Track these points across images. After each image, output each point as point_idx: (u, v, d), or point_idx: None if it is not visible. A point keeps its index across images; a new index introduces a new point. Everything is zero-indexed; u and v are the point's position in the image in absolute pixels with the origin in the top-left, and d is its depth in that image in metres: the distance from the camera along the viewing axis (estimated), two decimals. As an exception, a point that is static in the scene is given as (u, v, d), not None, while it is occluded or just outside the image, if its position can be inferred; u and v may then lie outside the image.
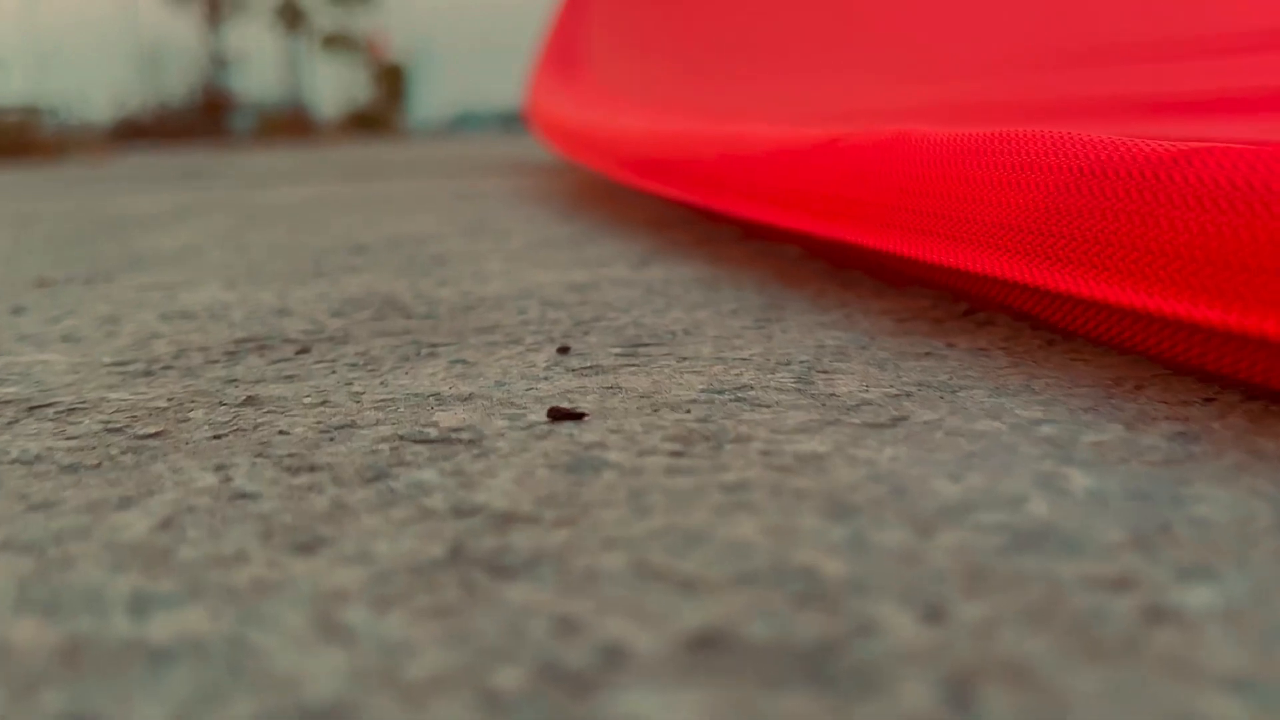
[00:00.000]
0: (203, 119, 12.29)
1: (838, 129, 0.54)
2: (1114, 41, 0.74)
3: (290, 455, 0.32)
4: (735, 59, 1.44)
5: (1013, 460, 0.28)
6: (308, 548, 0.24)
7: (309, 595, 0.22)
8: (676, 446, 0.31)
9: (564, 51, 1.96)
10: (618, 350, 0.44)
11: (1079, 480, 0.27)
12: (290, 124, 11.41)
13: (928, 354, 0.41)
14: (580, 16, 1.99)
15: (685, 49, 1.62)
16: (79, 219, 1.33)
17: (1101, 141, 0.36)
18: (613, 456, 0.30)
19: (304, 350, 0.47)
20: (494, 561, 0.23)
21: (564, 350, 0.44)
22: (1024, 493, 0.26)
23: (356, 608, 0.21)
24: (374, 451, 0.32)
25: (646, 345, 0.45)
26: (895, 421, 0.32)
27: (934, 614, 0.20)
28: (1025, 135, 0.39)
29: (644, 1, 1.88)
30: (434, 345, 0.47)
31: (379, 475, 0.29)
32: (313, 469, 0.30)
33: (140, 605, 0.22)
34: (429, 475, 0.29)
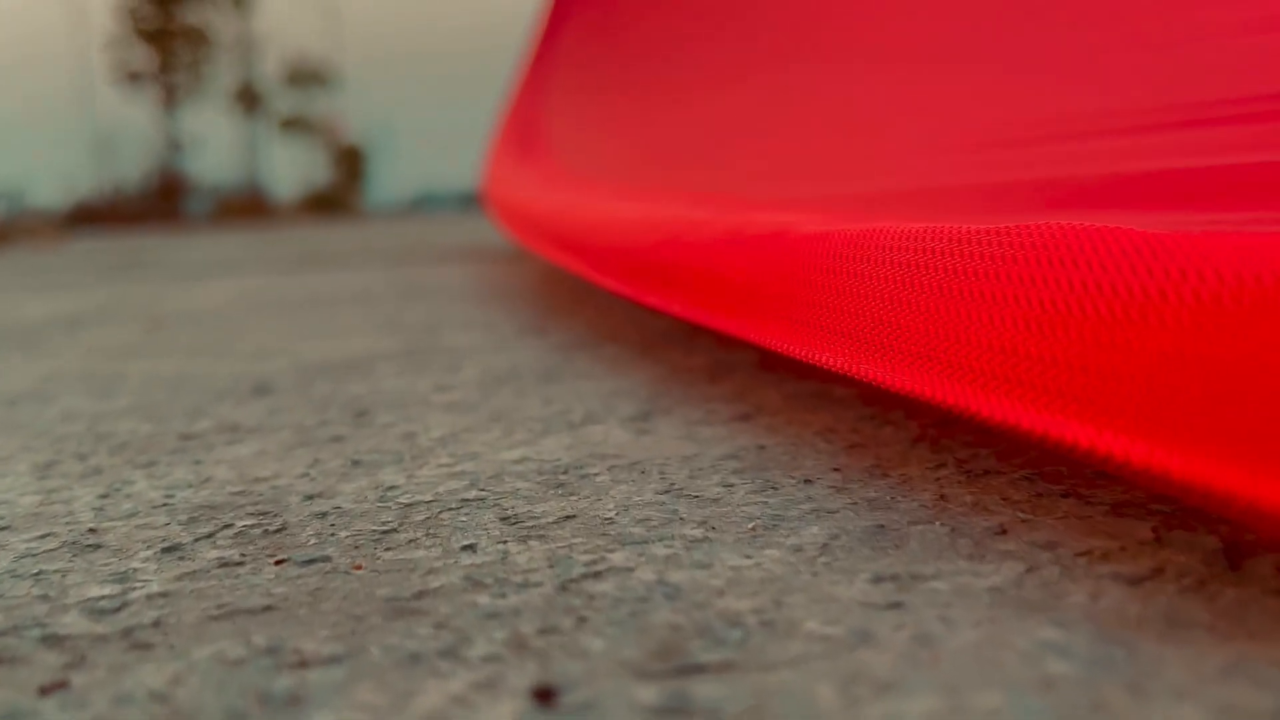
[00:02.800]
0: (158, 203, 12.08)
1: (977, 222, 0.34)
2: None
3: None
4: (719, 135, 1.26)
5: None
6: None
7: None
8: None
9: (522, 131, 1.78)
10: (650, 696, 0.23)
11: None
12: (247, 206, 11.22)
13: (1284, 715, 0.21)
14: (539, 94, 1.82)
15: (660, 124, 1.43)
16: (-56, 336, 1.10)
17: None
18: None
19: (58, 684, 0.25)
20: None
21: (545, 696, 0.23)
22: None
23: None
24: None
25: (700, 672, 0.24)
26: None
27: None
28: None
29: (610, 73, 1.70)
30: (303, 662, 0.25)
31: None
32: None
33: None
34: None
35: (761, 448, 0.44)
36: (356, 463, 0.45)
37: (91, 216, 10.30)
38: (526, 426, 0.51)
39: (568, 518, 0.36)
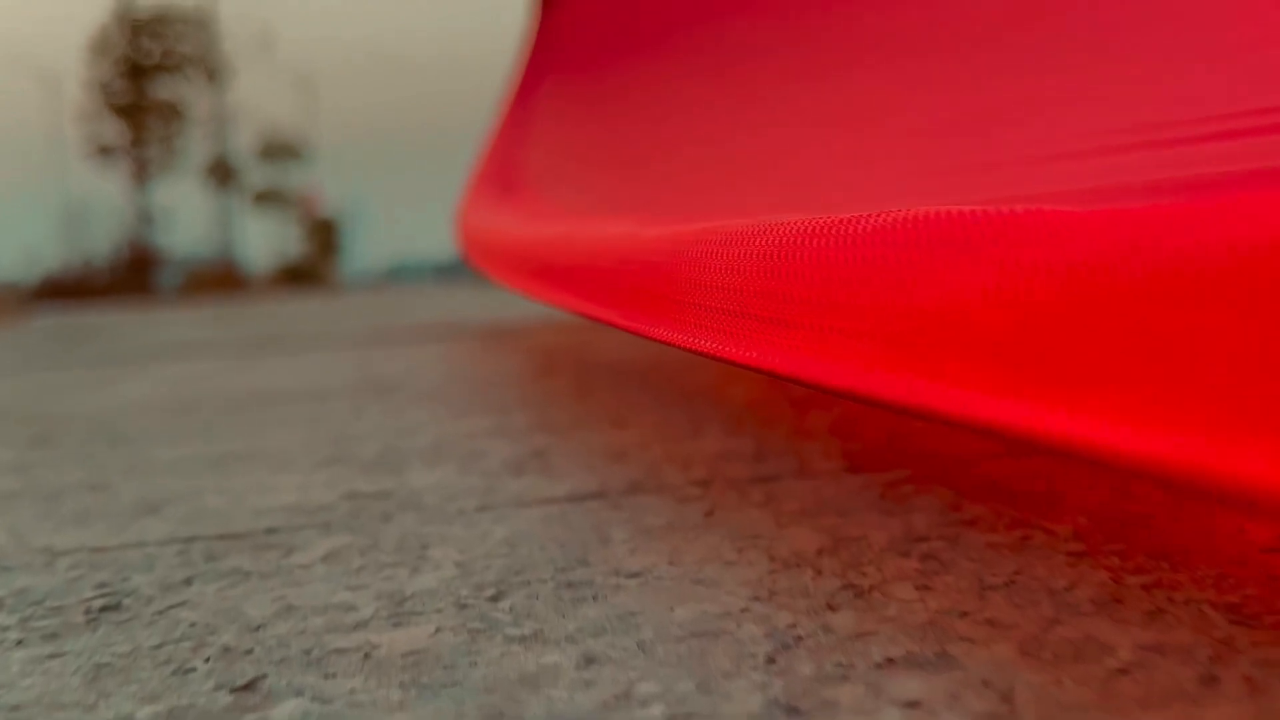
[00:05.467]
0: (128, 276, 11.81)
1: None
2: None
3: None
4: (716, 169, 1.05)
5: None
6: None
7: None
8: None
9: (501, 173, 1.61)
10: None
11: None
12: (219, 280, 10.94)
13: None
14: (519, 140, 1.64)
15: (650, 160, 1.23)
16: None
17: None
18: None
19: None
20: None
21: None
22: None
23: None
24: None
25: None
26: None
27: None
28: None
29: (593, 114, 1.52)
30: None
31: None
32: None
33: None
34: None
35: None
36: None
37: (59, 290, 10.02)
38: (557, 751, 0.25)
39: None
